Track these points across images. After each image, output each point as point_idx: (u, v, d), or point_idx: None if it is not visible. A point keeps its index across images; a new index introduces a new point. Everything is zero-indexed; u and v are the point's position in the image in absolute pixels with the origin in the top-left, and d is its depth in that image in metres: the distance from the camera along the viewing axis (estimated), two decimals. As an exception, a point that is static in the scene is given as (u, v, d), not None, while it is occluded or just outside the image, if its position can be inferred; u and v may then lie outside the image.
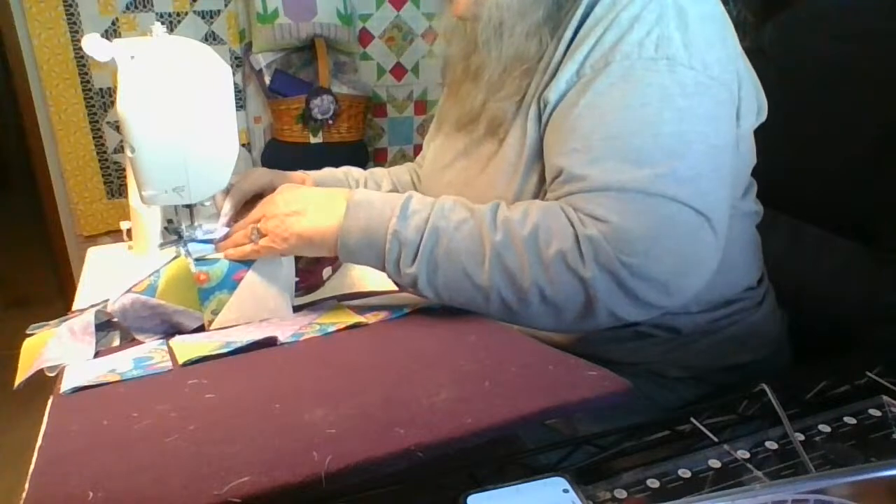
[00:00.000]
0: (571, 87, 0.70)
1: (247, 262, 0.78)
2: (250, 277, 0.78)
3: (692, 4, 0.68)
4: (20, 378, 0.67)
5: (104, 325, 0.76)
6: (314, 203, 0.73)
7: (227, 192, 0.91)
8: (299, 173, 1.01)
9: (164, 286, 0.75)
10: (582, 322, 0.66)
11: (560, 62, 0.72)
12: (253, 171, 0.94)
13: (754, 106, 0.76)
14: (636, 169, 0.64)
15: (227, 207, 0.90)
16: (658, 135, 0.64)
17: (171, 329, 0.77)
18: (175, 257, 0.79)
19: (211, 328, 0.77)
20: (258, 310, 0.79)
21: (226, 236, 0.83)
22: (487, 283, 0.66)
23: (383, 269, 0.71)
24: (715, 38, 0.69)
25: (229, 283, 0.77)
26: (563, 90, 0.71)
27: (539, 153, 0.75)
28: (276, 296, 0.79)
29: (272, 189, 0.94)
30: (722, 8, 0.74)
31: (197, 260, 0.77)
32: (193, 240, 0.84)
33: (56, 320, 0.77)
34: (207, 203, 0.86)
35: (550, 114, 0.72)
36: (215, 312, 0.77)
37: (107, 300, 0.76)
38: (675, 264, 0.64)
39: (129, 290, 0.75)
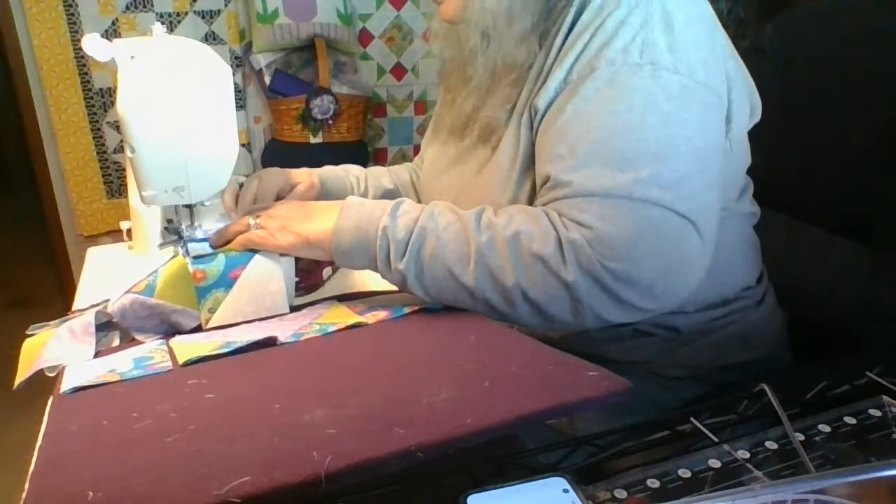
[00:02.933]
0: (560, 93, 0.71)
1: (243, 260, 0.78)
2: (247, 275, 0.78)
3: (678, 7, 0.68)
4: (20, 378, 0.67)
5: (104, 326, 0.76)
6: (316, 210, 0.77)
7: (232, 191, 0.91)
8: (305, 170, 1.02)
9: (163, 285, 0.75)
10: (571, 324, 0.67)
11: (550, 69, 0.72)
12: (269, 172, 0.94)
13: (746, 108, 0.76)
14: (619, 174, 0.64)
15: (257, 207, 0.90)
16: (641, 139, 0.65)
17: (170, 329, 0.77)
18: (173, 256, 0.79)
19: (208, 326, 0.77)
20: (255, 307, 0.79)
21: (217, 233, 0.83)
22: (472, 284, 0.68)
23: (375, 268, 0.73)
24: (702, 40, 0.69)
25: (226, 282, 0.77)
26: (552, 97, 0.71)
27: (532, 160, 0.75)
28: (274, 293, 0.79)
29: (286, 188, 0.95)
30: (711, 10, 0.74)
31: (194, 258, 0.77)
32: (193, 239, 0.84)
33: (56, 321, 0.77)
34: (207, 203, 0.86)
35: (540, 120, 0.72)
36: (212, 311, 0.77)
37: (107, 300, 0.76)
38: (660, 268, 0.64)
39: (128, 291, 0.75)
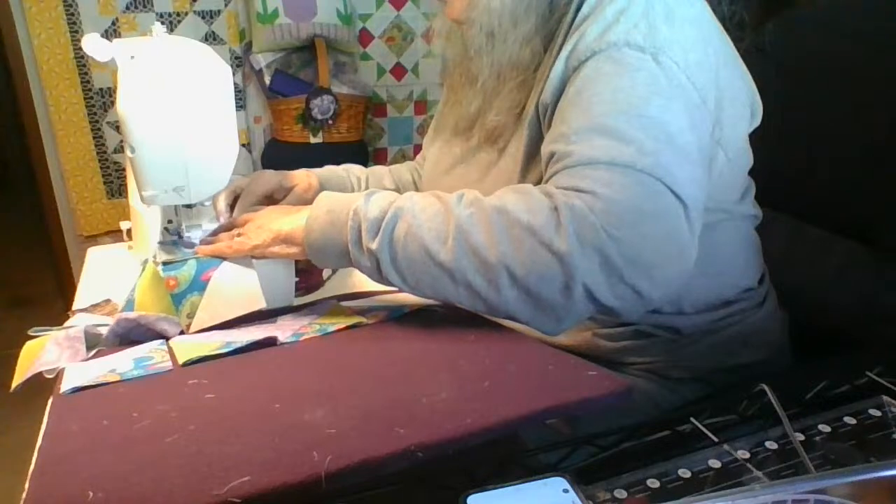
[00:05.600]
0: (564, 82, 0.70)
1: (214, 262, 0.77)
2: (218, 275, 0.77)
3: (678, 5, 0.68)
4: (17, 381, 0.67)
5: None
6: (295, 209, 0.76)
7: (227, 193, 0.91)
8: (303, 171, 1.01)
9: (140, 296, 0.75)
10: (560, 308, 0.61)
11: (553, 66, 0.72)
12: (261, 175, 0.94)
13: (747, 113, 0.76)
14: (623, 145, 0.62)
15: (236, 211, 0.90)
16: (645, 116, 0.63)
17: (157, 337, 0.76)
18: (144, 266, 0.79)
19: (189, 332, 0.76)
20: (230, 307, 0.77)
21: (209, 239, 0.82)
22: (451, 263, 0.62)
23: (348, 257, 0.69)
24: (696, 42, 0.69)
25: (199, 285, 0.76)
26: (557, 87, 0.71)
27: (533, 156, 0.75)
28: (248, 293, 0.77)
29: (282, 190, 0.94)
30: (710, 15, 0.73)
31: (164, 265, 0.76)
32: (187, 242, 0.84)
33: (58, 327, 0.76)
34: (207, 203, 0.86)
35: (552, 115, 0.72)
36: (190, 316, 0.76)
37: (107, 299, 0.76)
38: (661, 247, 0.61)
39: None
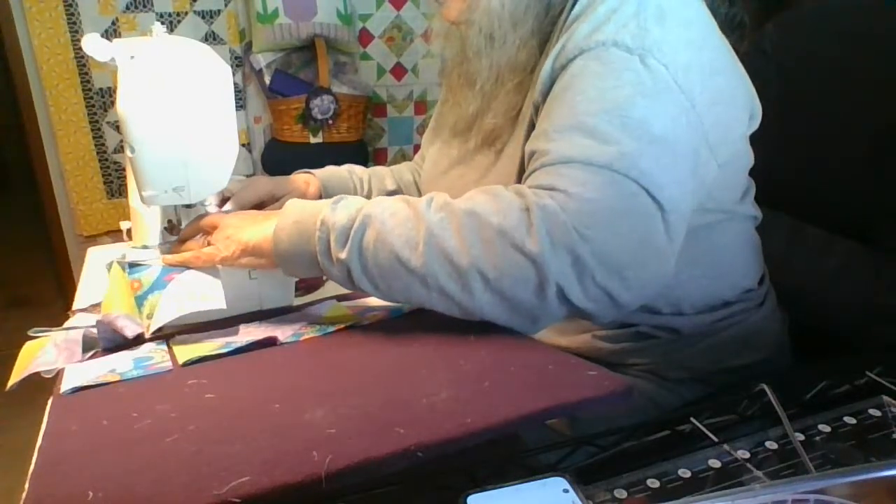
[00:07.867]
0: (553, 80, 0.70)
1: (182, 268, 0.77)
2: (181, 278, 0.76)
3: (673, 8, 0.68)
4: (13, 380, 0.67)
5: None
6: (263, 217, 0.74)
7: (216, 194, 0.91)
8: (302, 175, 1.01)
9: (107, 297, 0.75)
10: (535, 309, 0.61)
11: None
12: (255, 181, 0.94)
13: (744, 115, 0.76)
14: (603, 145, 0.62)
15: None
16: (627, 117, 0.63)
17: (118, 338, 0.73)
18: (110, 267, 0.78)
19: (150, 332, 0.73)
20: (190, 297, 0.74)
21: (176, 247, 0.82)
22: (422, 269, 0.61)
23: (318, 267, 0.67)
24: (689, 44, 0.68)
25: (161, 285, 0.75)
26: (547, 83, 0.71)
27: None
28: (210, 296, 0.74)
29: (272, 199, 0.94)
30: (707, 16, 0.73)
31: (130, 267, 0.76)
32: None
33: (58, 328, 0.76)
34: (207, 203, 0.86)
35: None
36: (150, 316, 0.74)
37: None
38: (634, 249, 0.60)
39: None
